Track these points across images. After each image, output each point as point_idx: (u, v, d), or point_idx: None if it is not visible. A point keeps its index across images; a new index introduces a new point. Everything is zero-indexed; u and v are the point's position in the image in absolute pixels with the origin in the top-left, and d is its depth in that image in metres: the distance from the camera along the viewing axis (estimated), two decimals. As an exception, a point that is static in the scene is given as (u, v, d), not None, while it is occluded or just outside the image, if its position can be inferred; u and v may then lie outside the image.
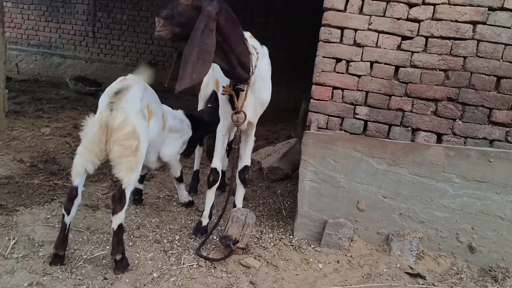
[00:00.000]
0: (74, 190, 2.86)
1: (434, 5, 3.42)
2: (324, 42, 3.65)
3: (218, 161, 3.43)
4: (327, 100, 3.73)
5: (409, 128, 3.64)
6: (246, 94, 3.06)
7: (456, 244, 3.34)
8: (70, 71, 11.43)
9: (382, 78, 3.60)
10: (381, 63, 3.58)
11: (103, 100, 2.87)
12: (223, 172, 4.52)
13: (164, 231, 3.51)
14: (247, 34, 3.19)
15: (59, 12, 11.66)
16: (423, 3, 3.44)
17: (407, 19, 3.49)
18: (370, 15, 3.54)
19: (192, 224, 3.67)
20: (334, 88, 3.70)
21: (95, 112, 2.89)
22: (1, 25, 5.76)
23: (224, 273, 2.95)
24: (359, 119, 3.71)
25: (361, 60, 3.61)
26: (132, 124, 2.80)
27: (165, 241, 3.34)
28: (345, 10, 3.58)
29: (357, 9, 3.56)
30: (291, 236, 3.57)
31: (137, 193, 3.96)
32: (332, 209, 3.49)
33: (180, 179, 3.90)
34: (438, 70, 3.51)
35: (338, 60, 3.65)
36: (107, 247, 3.10)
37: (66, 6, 11.57)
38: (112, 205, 2.87)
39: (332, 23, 3.61)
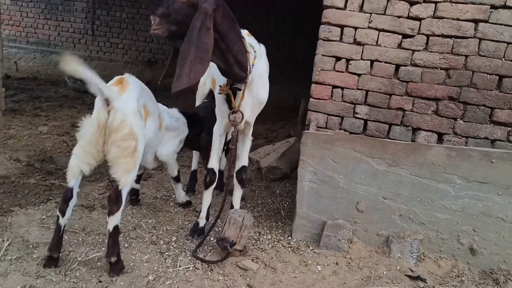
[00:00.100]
0: (69, 191, 2.81)
1: (436, 3, 3.38)
2: (324, 40, 3.61)
3: (215, 161, 3.38)
4: (327, 99, 3.69)
5: (410, 128, 3.60)
6: (244, 93, 3.00)
7: (457, 246, 3.29)
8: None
9: (383, 77, 3.56)
10: (381, 61, 3.54)
11: (100, 100, 2.82)
12: (221, 171, 4.48)
13: (161, 232, 3.46)
14: (245, 32, 3.13)
15: (58, 10, 11.62)
16: (424, 1, 3.40)
17: (408, 17, 3.45)
18: (371, 13, 3.50)
19: (189, 225, 3.62)
20: (334, 87, 3.66)
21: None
22: (-2, 23, 5.71)
23: (221, 275, 2.90)
24: (359, 118, 3.67)
25: (361, 59, 3.57)
26: (130, 124, 2.76)
27: (162, 242, 3.29)
28: (345, 8, 3.54)
29: (357, 7, 3.52)
30: (290, 238, 3.52)
31: (133, 193, 3.91)
32: (331, 210, 3.44)
33: (177, 179, 3.85)
34: (439, 69, 3.47)
35: (338, 59, 3.61)
36: (103, 248, 3.05)
37: (65, 4, 11.53)
38: (108, 206, 2.82)
39: (332, 21, 3.56)
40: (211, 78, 3.56)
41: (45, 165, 4.71)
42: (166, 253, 3.13)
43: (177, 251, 3.18)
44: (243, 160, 3.45)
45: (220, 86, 3.03)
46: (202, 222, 3.46)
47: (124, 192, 2.80)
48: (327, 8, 3.56)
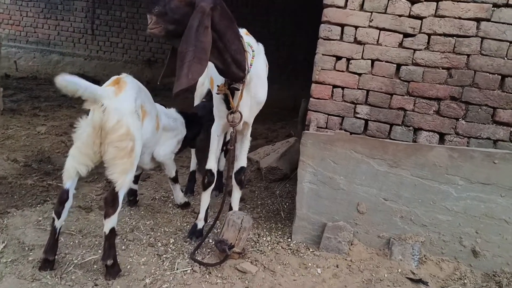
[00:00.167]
0: (65, 193, 2.77)
1: (437, 1, 3.34)
2: (324, 39, 3.57)
3: (213, 162, 3.33)
4: (327, 99, 3.65)
5: (411, 128, 3.56)
6: (242, 93, 2.95)
7: (459, 248, 3.24)
8: (69, 68, 11.34)
9: (383, 76, 3.52)
10: (382, 61, 3.51)
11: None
12: (220, 172, 4.44)
13: (159, 234, 3.41)
14: (243, 31, 3.09)
15: (57, 9, 11.59)
16: (426, 0, 3.34)
17: (409, 16, 3.41)
18: (371, 12, 3.46)
19: (188, 226, 3.57)
20: (334, 86, 3.63)
21: None
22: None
23: (219, 278, 2.86)
24: (359, 118, 3.63)
25: (362, 58, 3.53)
26: (127, 125, 2.71)
27: (159, 244, 3.24)
28: (345, 6, 3.50)
29: (358, 5, 3.48)
30: (289, 239, 3.47)
31: (131, 194, 3.86)
32: (332, 212, 3.39)
33: (175, 180, 3.81)
34: (440, 68, 3.43)
35: (338, 58, 3.58)
36: (99, 251, 3.01)
37: (65, 3, 11.49)
38: (104, 208, 2.78)
39: (332, 20, 3.52)
40: (209, 78, 3.52)
41: (42, 166, 4.67)
42: (164, 256, 3.08)
43: (175, 253, 3.13)
44: (241, 161, 3.40)
45: (218, 86, 2.98)
46: (200, 224, 3.41)
47: (121, 194, 2.75)
48: (327, 7, 3.52)
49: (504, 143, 3.43)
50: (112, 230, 2.75)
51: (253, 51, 2.96)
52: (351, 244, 3.34)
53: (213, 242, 3.19)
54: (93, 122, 2.69)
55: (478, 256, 3.21)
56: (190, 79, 2.48)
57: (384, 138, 3.56)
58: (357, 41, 3.51)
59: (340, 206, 3.37)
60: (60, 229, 2.80)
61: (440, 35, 3.38)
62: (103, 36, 11.45)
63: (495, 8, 3.28)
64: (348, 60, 3.55)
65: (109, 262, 2.72)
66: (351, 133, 3.62)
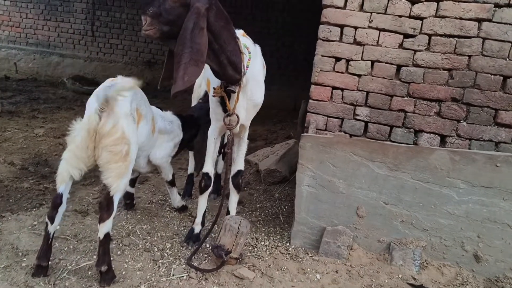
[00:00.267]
0: (59, 197, 2.73)
1: (438, 1, 3.29)
2: (323, 40, 3.52)
3: (210, 166, 3.27)
4: (326, 101, 3.60)
5: (412, 130, 3.51)
6: (238, 95, 2.89)
7: (461, 253, 3.18)
8: (69, 70, 11.32)
9: (383, 77, 3.47)
10: (382, 62, 3.46)
11: (91, 103, 2.73)
12: (218, 175, 4.38)
13: (155, 238, 3.36)
14: (240, 32, 3.04)
15: (57, 11, 11.56)
16: (426, 0, 3.29)
17: (410, 17, 3.36)
18: (371, 12, 3.41)
19: (185, 230, 3.51)
20: (334, 88, 3.58)
21: None
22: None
23: (216, 285, 2.79)
24: (359, 120, 3.58)
25: (362, 59, 3.48)
26: (122, 128, 2.67)
27: (156, 249, 3.18)
28: (344, 7, 3.45)
29: (357, 6, 3.43)
30: (288, 244, 3.41)
31: (128, 197, 3.81)
32: (331, 216, 3.33)
33: (172, 183, 3.75)
34: (441, 69, 3.38)
35: (338, 59, 3.53)
36: (94, 256, 2.95)
37: (65, 5, 11.47)
38: (99, 213, 2.74)
39: (331, 21, 3.47)
40: (206, 80, 3.46)
41: (39, 169, 4.63)
42: (160, 261, 3.02)
43: (171, 258, 3.08)
44: (239, 164, 3.34)
45: (214, 88, 2.92)
46: (197, 228, 3.36)
47: (115, 199, 2.71)
48: (327, 8, 3.47)
49: (506, 145, 3.38)
50: (107, 235, 2.70)
51: (249, 52, 2.90)
52: (351, 249, 3.28)
53: (210, 247, 3.13)
54: (88, 125, 2.64)
55: (480, 261, 3.14)
56: (186, 81, 2.43)
57: (384, 140, 3.50)
58: (356, 42, 3.46)
59: (340, 210, 3.31)
60: (53, 234, 2.76)
61: (441, 35, 3.33)
62: (103, 37, 11.43)
63: (497, 8, 3.23)
64: (348, 61, 3.50)
65: (104, 268, 2.66)
66: (350, 135, 3.57)
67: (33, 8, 11.68)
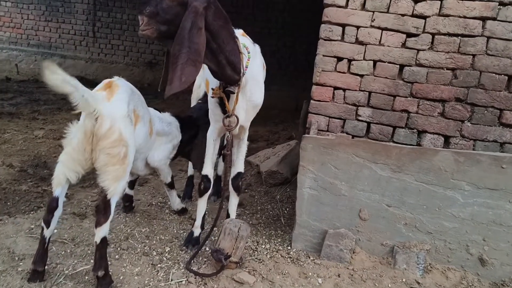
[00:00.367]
0: (55, 201, 2.67)
1: (441, 0, 3.21)
2: (325, 40, 3.46)
3: (209, 168, 3.21)
4: (328, 101, 3.54)
5: (415, 130, 3.44)
6: (237, 96, 2.83)
7: (466, 256, 3.11)
8: (70, 71, 11.08)
9: (386, 77, 3.41)
10: (384, 62, 3.39)
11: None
12: (219, 176, 4.33)
13: (154, 242, 3.30)
14: (239, 32, 2.98)
15: (58, 12, 11.56)
16: (430, -2, 3.23)
17: (412, 15, 3.29)
18: (373, 11, 3.35)
19: (184, 234, 3.46)
20: (335, 88, 3.52)
21: None
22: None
23: (215, 290, 2.74)
24: (361, 121, 3.52)
25: (364, 59, 3.42)
26: (119, 130, 2.61)
27: (154, 253, 3.13)
28: (346, 6, 3.39)
29: (359, 5, 3.37)
30: (289, 247, 3.35)
31: (127, 199, 3.76)
32: (333, 219, 3.27)
33: (171, 185, 3.69)
34: (445, 69, 3.31)
35: (340, 59, 3.47)
36: (91, 261, 2.89)
37: (66, 6, 11.47)
38: (96, 216, 2.68)
39: (333, 20, 3.42)
40: (205, 80, 3.40)
41: (38, 171, 4.58)
42: (159, 265, 2.97)
43: (170, 262, 3.02)
44: (238, 166, 3.28)
45: (212, 89, 2.86)
46: (197, 231, 3.30)
47: (113, 202, 2.65)
48: (328, 7, 3.41)
49: (511, 145, 3.30)
50: (104, 240, 2.64)
51: (248, 52, 2.84)
52: (353, 252, 3.22)
53: (209, 251, 3.07)
54: (84, 127, 2.59)
55: (485, 264, 3.08)
56: (183, 82, 2.37)
57: (387, 141, 3.44)
58: (358, 42, 3.40)
59: (342, 213, 3.25)
60: (50, 238, 2.71)
61: (444, 34, 3.26)
62: (104, 38, 11.42)
63: (501, 7, 3.17)
64: (350, 61, 3.44)
65: (100, 273, 2.61)
66: (353, 136, 3.51)
67: (34, 9, 11.69)
